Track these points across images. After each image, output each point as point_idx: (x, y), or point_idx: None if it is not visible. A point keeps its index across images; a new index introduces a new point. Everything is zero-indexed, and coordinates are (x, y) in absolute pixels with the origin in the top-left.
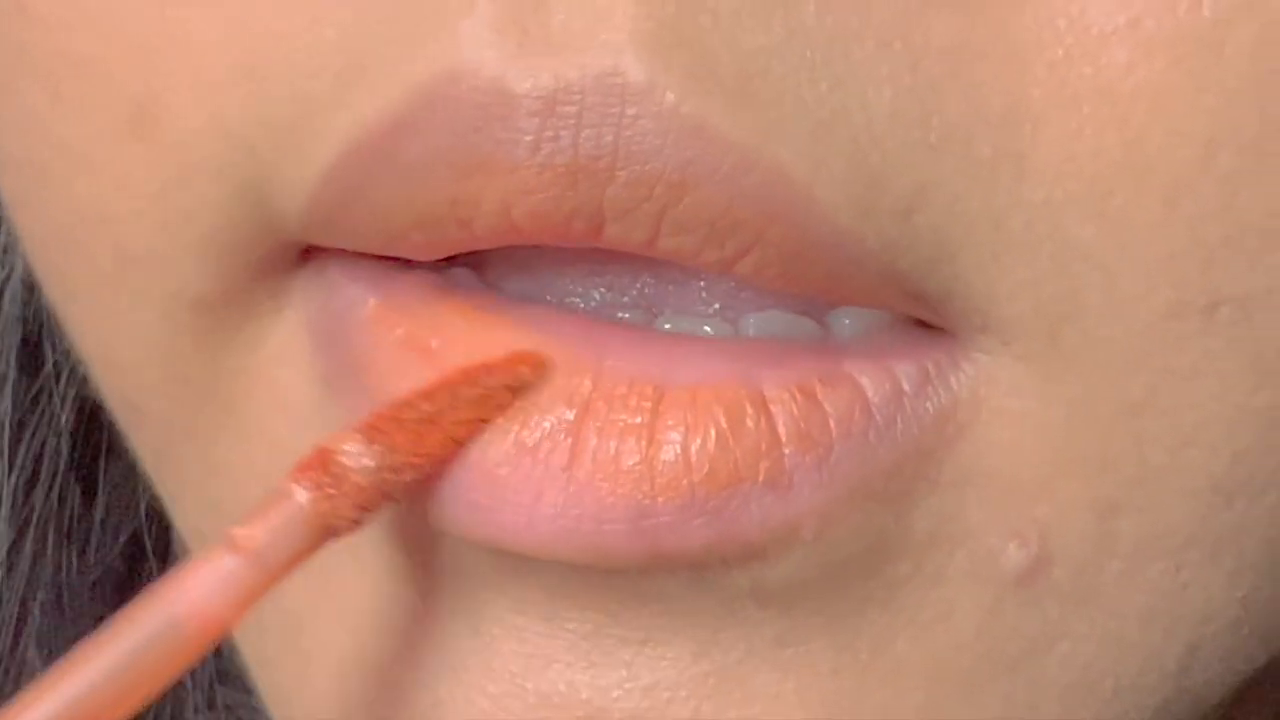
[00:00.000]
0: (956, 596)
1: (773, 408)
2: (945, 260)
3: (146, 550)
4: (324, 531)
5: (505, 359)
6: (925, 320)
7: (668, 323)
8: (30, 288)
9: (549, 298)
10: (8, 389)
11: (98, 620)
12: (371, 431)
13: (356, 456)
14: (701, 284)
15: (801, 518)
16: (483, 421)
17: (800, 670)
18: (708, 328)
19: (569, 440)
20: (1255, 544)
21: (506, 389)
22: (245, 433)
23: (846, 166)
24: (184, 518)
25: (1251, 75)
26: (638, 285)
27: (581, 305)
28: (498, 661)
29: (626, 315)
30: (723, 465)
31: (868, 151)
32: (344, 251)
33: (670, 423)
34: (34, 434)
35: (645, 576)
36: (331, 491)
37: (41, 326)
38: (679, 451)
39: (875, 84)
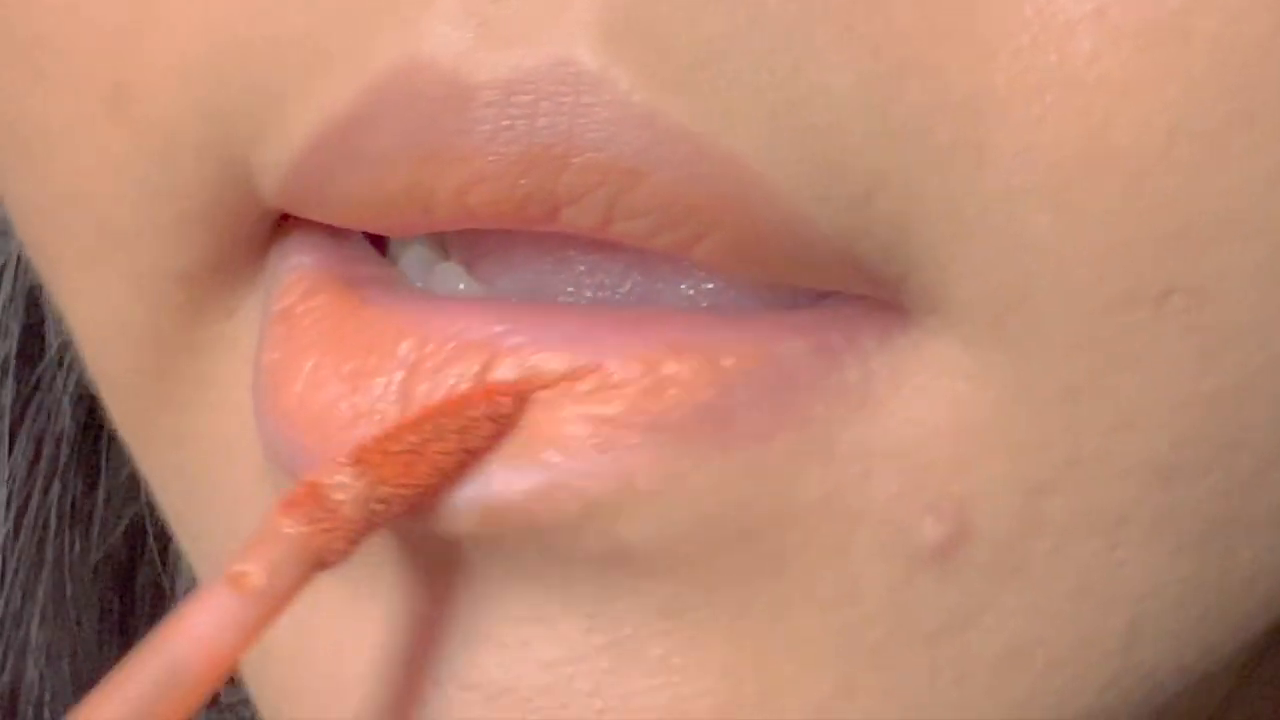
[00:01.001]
0: (862, 570)
1: (613, 373)
2: (901, 245)
3: (148, 534)
4: (318, 564)
5: (485, 390)
6: (881, 299)
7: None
8: (31, 272)
9: (539, 295)
10: (9, 373)
11: (100, 605)
12: (360, 465)
13: (346, 489)
14: (691, 283)
15: (634, 471)
16: (466, 452)
17: (694, 640)
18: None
19: (398, 403)
20: (1197, 524)
21: (488, 419)
22: (215, 401)
23: (804, 153)
24: (159, 491)
25: (1215, 65)
26: (628, 283)
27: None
28: (406, 647)
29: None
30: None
31: (826, 138)
32: (315, 225)
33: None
34: (35, 418)
35: (496, 548)
36: (324, 525)
37: (43, 311)
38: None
39: (835, 71)
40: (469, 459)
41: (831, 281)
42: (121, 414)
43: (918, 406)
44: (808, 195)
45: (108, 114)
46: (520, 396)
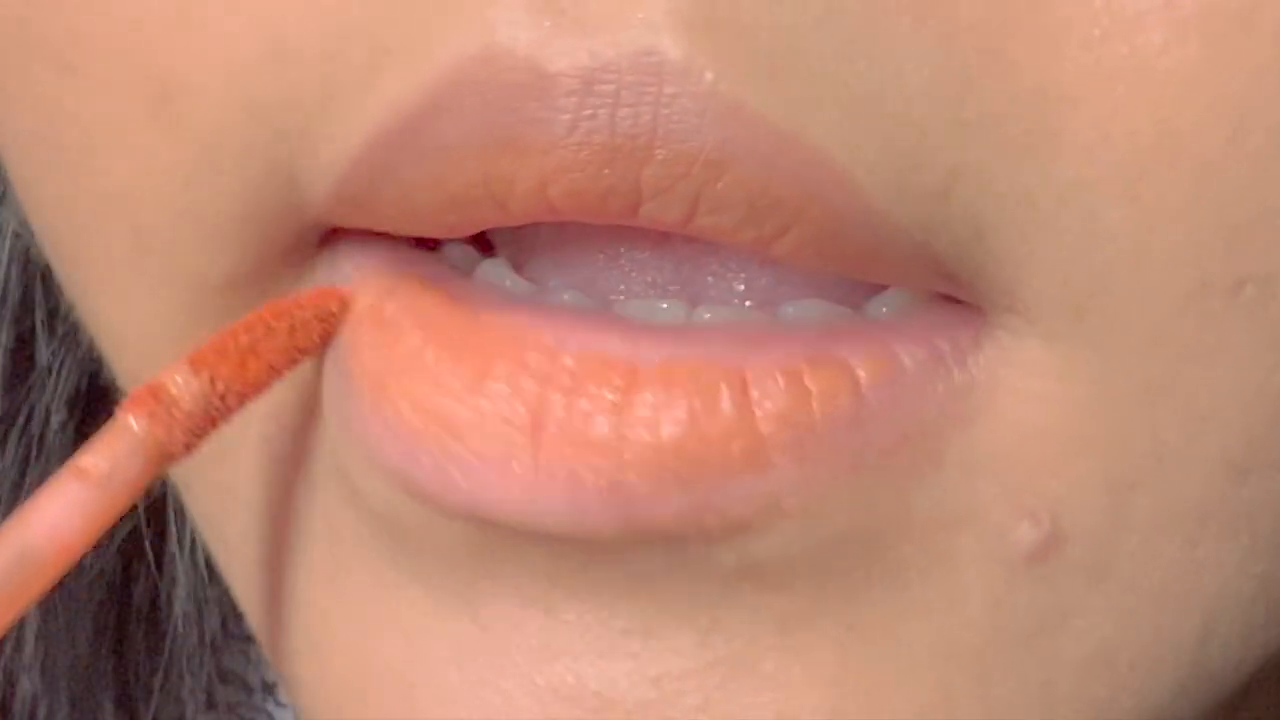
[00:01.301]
0: (966, 577)
1: (752, 390)
2: (978, 240)
3: (143, 548)
4: (160, 457)
5: (312, 294)
6: (957, 298)
7: (707, 313)
8: (23, 280)
9: (591, 294)
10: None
11: (95, 619)
12: (197, 363)
13: (184, 386)
14: (743, 278)
15: (781, 492)
16: (299, 350)
17: (806, 653)
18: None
19: (528, 410)
20: (1270, 521)
21: (317, 320)
22: (253, 411)
23: (883, 147)
24: (195, 506)
25: (1278, 56)
26: (678, 281)
27: (624, 301)
28: (503, 656)
29: (666, 306)
30: (694, 443)
31: (904, 131)
32: (364, 234)
33: (642, 399)
34: (25, 428)
35: (628, 558)
36: (164, 419)
37: (35, 318)
38: (649, 428)
39: (911, 63)
40: (300, 357)
41: (908, 277)
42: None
43: (1013, 409)
44: (887, 188)
45: (150, 116)
46: (343, 301)
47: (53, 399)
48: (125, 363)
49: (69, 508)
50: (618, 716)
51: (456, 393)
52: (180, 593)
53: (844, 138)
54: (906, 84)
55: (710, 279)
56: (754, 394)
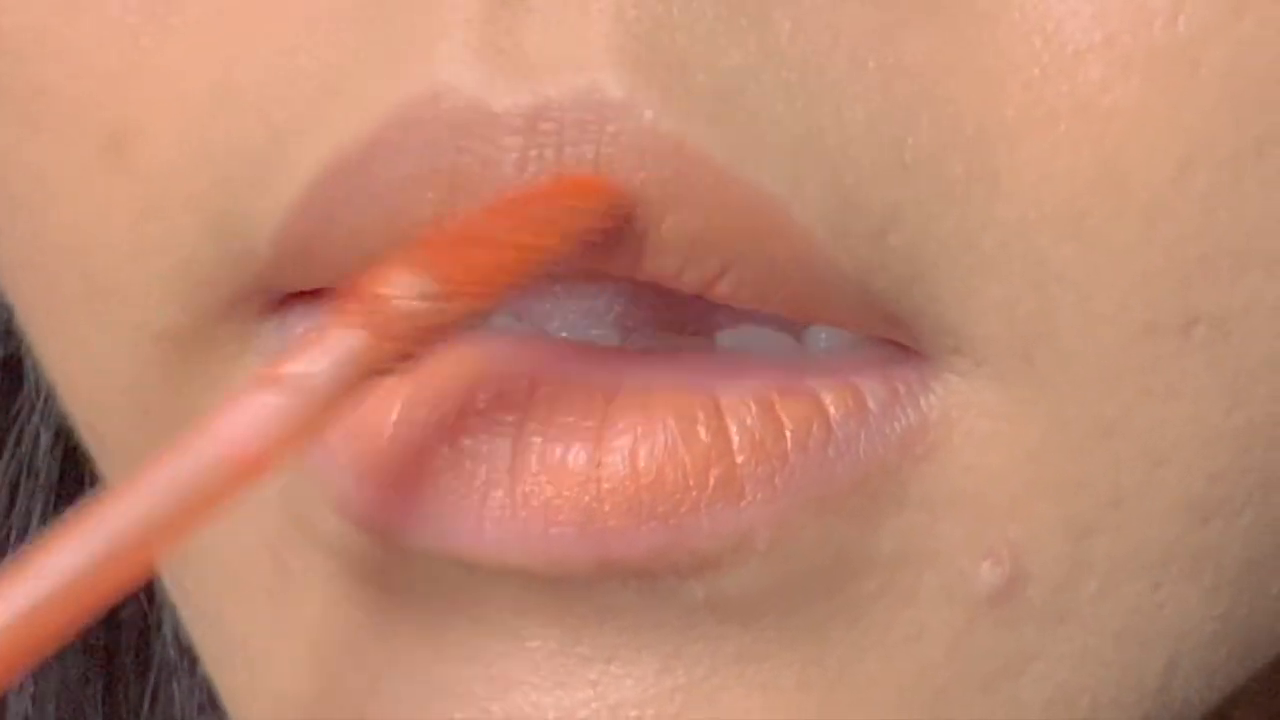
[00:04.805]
0: (927, 617)
1: (727, 417)
2: (919, 280)
3: None
4: (369, 368)
5: (555, 183)
6: (899, 341)
7: (643, 341)
8: (9, 308)
9: (524, 322)
10: None
11: (83, 641)
12: (415, 261)
13: (402, 286)
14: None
15: (754, 527)
16: (541, 239)
17: (765, 687)
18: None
19: (509, 442)
20: (1232, 563)
21: (562, 213)
22: None
23: (822, 187)
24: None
25: (1226, 93)
26: (613, 311)
27: (558, 329)
28: (461, 686)
29: (599, 333)
30: (671, 472)
31: (843, 172)
32: (312, 296)
33: (620, 427)
34: (13, 455)
35: (600, 588)
36: (377, 323)
37: (21, 346)
38: (626, 457)
39: (848, 103)
40: (548, 250)
41: (849, 319)
42: (106, 467)
43: (969, 451)
44: (826, 229)
45: (103, 162)
46: (609, 193)
47: (42, 420)
48: (80, 412)
49: (261, 417)
50: None
51: (433, 431)
52: (169, 613)
53: (784, 176)
54: (845, 124)
55: (647, 308)
56: (728, 422)
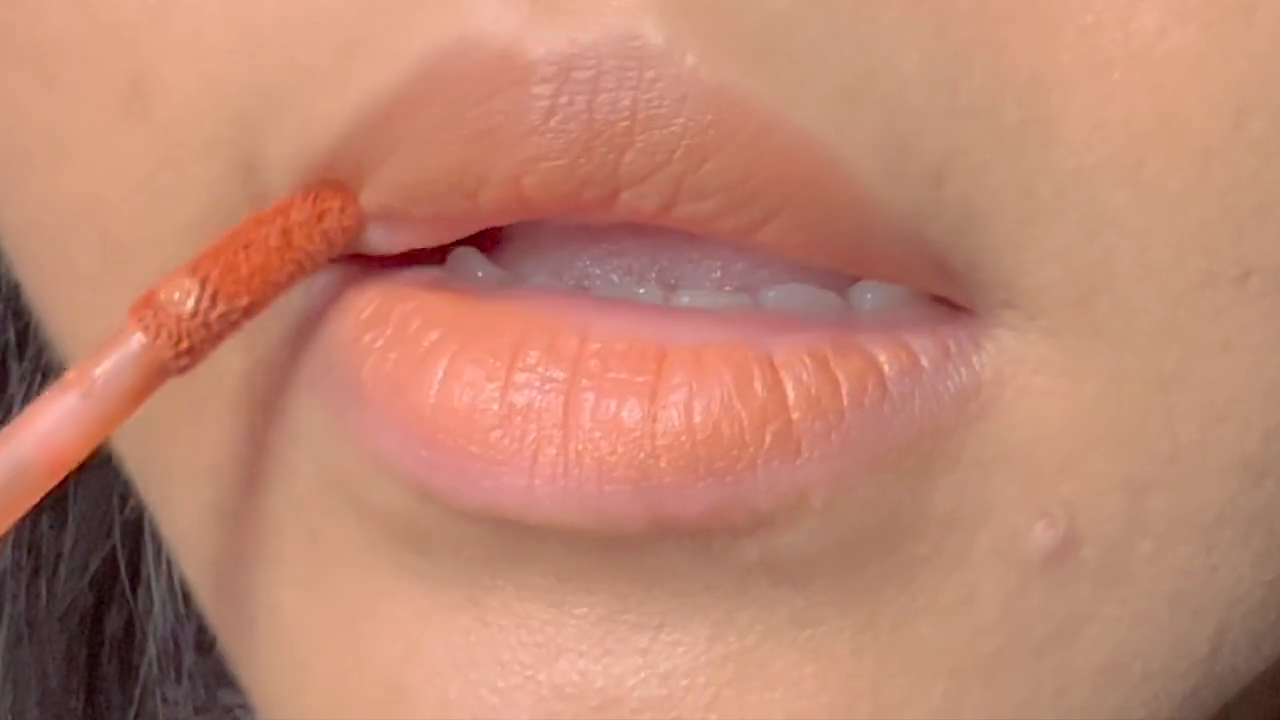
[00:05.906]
0: (980, 579)
1: (782, 372)
2: (972, 229)
3: (119, 578)
4: (157, 368)
5: (306, 194)
6: (948, 298)
7: (686, 298)
8: None
9: (565, 280)
10: None
11: (67, 651)
12: (197, 268)
13: (181, 292)
14: (719, 264)
15: (810, 485)
16: (296, 249)
17: (819, 652)
18: (725, 304)
19: (561, 398)
20: None
21: (314, 219)
22: (224, 426)
23: (874, 132)
24: (165, 521)
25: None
26: (655, 268)
27: (600, 286)
28: (507, 653)
29: (643, 291)
30: (727, 428)
31: (895, 116)
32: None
33: (675, 382)
34: None
35: (651, 550)
36: (159, 328)
37: (5, 348)
38: (682, 412)
39: (902, 47)
40: (302, 259)
41: (898, 269)
42: (124, 438)
43: (1023, 408)
44: (879, 173)
45: (122, 113)
46: (346, 196)
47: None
48: None
49: (61, 418)
50: (621, 715)
51: (482, 387)
52: (155, 624)
53: (833, 121)
54: (898, 69)
55: (689, 267)
56: (784, 377)
